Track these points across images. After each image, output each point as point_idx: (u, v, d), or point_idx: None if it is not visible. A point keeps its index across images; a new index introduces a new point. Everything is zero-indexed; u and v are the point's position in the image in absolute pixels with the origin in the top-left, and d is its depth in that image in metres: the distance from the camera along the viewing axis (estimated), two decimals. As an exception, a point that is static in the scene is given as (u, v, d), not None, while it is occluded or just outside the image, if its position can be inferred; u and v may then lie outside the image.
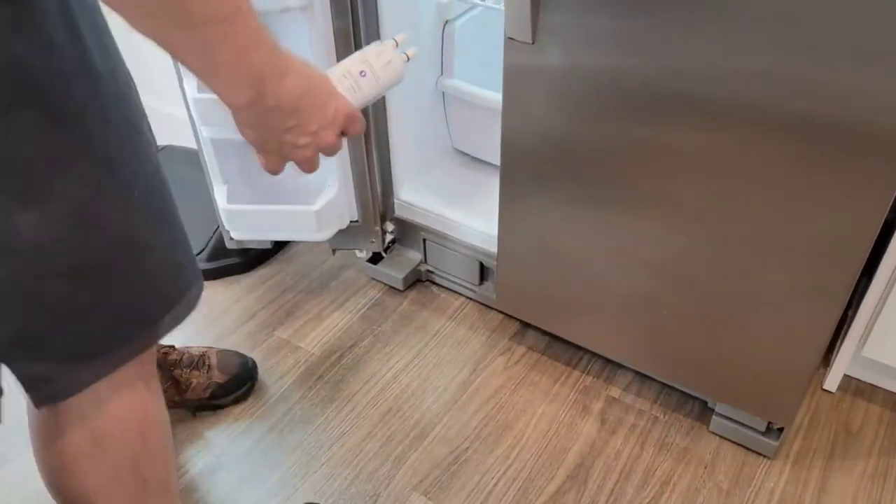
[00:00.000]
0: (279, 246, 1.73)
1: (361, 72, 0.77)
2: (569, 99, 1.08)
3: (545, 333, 1.48)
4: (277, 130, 0.65)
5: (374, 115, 1.40)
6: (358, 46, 1.28)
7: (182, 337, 1.48)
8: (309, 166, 0.70)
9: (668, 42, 0.95)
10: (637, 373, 1.39)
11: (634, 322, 1.25)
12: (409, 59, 0.82)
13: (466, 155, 1.66)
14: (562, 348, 1.46)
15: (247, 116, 0.63)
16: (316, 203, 1.37)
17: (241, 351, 1.44)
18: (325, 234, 1.43)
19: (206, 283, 1.62)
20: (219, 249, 1.64)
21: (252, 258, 1.68)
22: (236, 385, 1.36)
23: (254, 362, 1.41)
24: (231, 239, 1.54)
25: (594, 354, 1.43)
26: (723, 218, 1.04)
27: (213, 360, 1.36)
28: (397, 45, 0.83)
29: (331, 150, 0.70)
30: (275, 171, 0.71)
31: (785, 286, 1.05)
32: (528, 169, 1.20)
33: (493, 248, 1.43)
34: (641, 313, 1.22)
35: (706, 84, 0.95)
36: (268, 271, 1.68)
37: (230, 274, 1.66)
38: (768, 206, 1.00)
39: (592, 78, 1.04)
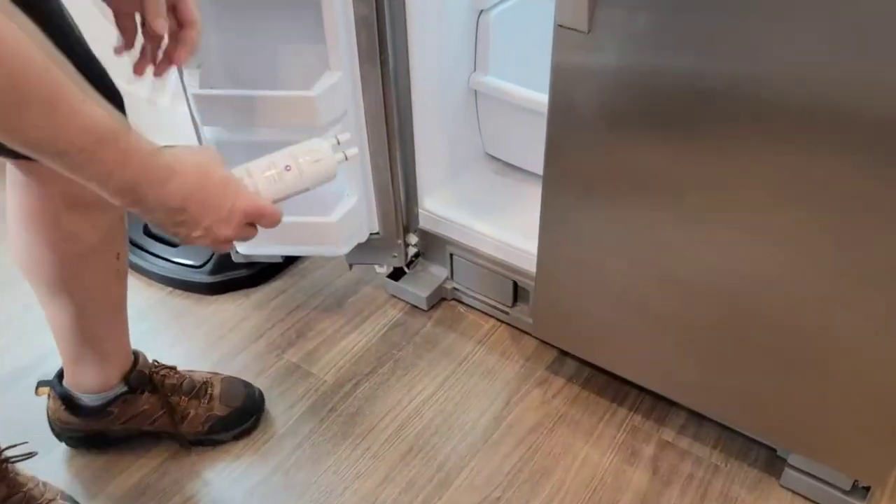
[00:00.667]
0: (290, 259, 1.58)
1: (287, 166, 0.80)
2: (628, 100, 0.92)
3: (587, 364, 1.32)
4: (166, 223, 0.69)
5: (399, 117, 1.25)
6: (382, 37, 1.13)
7: (183, 356, 1.33)
8: (217, 249, 0.78)
9: (759, 42, 0.78)
10: (693, 413, 1.22)
11: (692, 355, 1.08)
12: (346, 158, 0.86)
13: (500, 161, 1.50)
14: (606, 381, 1.30)
15: (132, 209, 0.66)
16: (333, 213, 1.22)
17: (247, 376, 1.29)
18: (344, 248, 1.27)
19: (209, 298, 1.49)
20: (224, 261, 1.49)
21: (261, 271, 1.52)
22: (239, 420, 1.21)
23: (261, 394, 1.26)
24: (237, 252, 1.39)
25: (643, 390, 1.26)
26: (807, 241, 0.87)
27: (216, 390, 1.21)
28: (339, 143, 0.86)
29: (226, 245, 0.75)
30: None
31: (881, 320, 0.88)
32: (575, 179, 1.04)
33: (530, 266, 1.26)
34: (701, 346, 1.06)
35: (799, 91, 0.78)
36: (278, 285, 1.52)
37: (237, 288, 1.51)
38: (864, 229, 0.83)
39: (658, 77, 0.87)
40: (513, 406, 1.26)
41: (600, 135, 0.97)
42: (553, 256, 1.15)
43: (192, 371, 1.23)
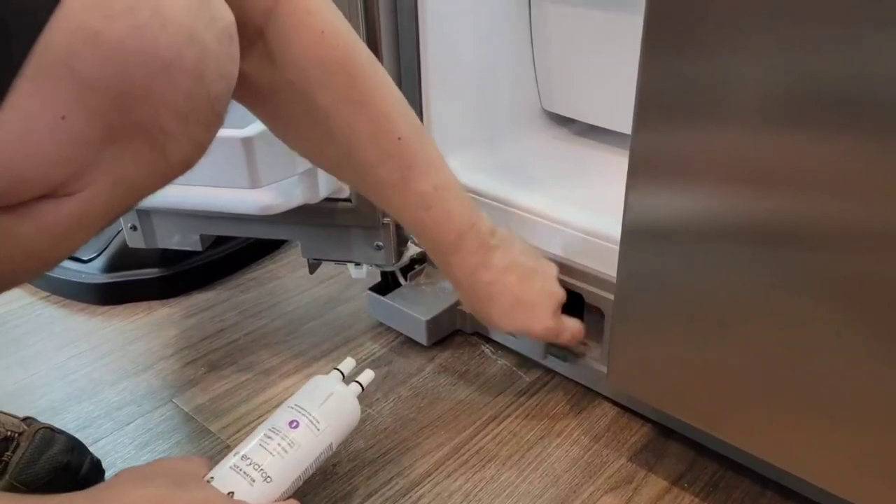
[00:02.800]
0: (237, 263, 1.03)
1: (293, 422, 0.58)
2: None
3: (707, 451, 0.71)
4: None
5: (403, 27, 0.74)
6: None
7: (11, 389, 0.79)
8: None
9: None
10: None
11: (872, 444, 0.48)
12: (363, 389, 0.65)
13: (567, 124, 0.95)
14: (734, 481, 0.68)
15: None
16: (250, 126, 0.67)
17: (94, 430, 0.73)
18: (262, 186, 0.71)
19: (96, 309, 0.95)
20: (124, 255, 0.96)
21: (183, 274, 0.98)
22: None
23: (95, 467, 0.68)
24: (133, 228, 0.86)
25: (789, 494, 0.65)
26: None
27: (20, 452, 0.64)
28: (343, 375, 0.65)
29: None
30: None
31: None
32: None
33: (607, 269, 0.70)
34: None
35: None
36: (205, 298, 0.97)
37: (142, 296, 0.97)
38: None
39: None
40: (564, 524, 0.66)
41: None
42: (644, 261, 0.57)
43: (2, 413, 0.67)
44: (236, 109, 0.66)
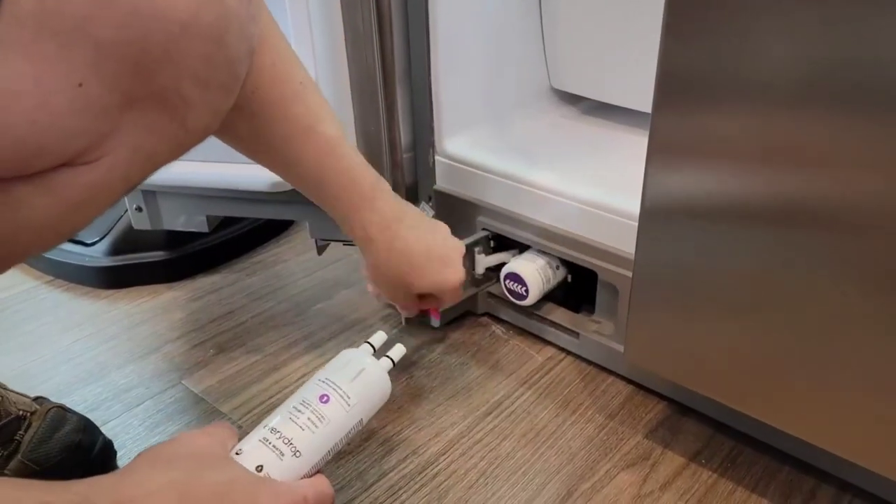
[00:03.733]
0: (241, 247, 1.02)
1: (323, 396, 0.57)
2: None
3: (725, 427, 0.71)
4: None
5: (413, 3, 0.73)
6: None
7: (19, 370, 0.77)
8: None
9: None
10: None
11: None
12: (394, 364, 0.64)
13: (576, 102, 0.94)
14: (752, 456, 0.68)
15: None
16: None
17: (104, 411, 0.72)
18: (273, 174, 0.70)
19: (100, 292, 0.94)
20: (130, 237, 0.95)
21: (188, 257, 0.97)
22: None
23: (106, 447, 0.67)
24: (138, 209, 0.85)
25: (825, 476, 0.64)
26: None
27: (31, 431, 0.63)
28: (374, 348, 0.65)
29: None
30: None
31: None
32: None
33: (623, 245, 0.69)
34: None
35: None
36: (210, 281, 0.96)
37: (146, 280, 0.96)
38: None
39: None
40: None
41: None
42: (665, 231, 0.56)
43: (6, 391, 0.66)
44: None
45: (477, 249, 0.82)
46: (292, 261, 1.01)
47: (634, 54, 0.81)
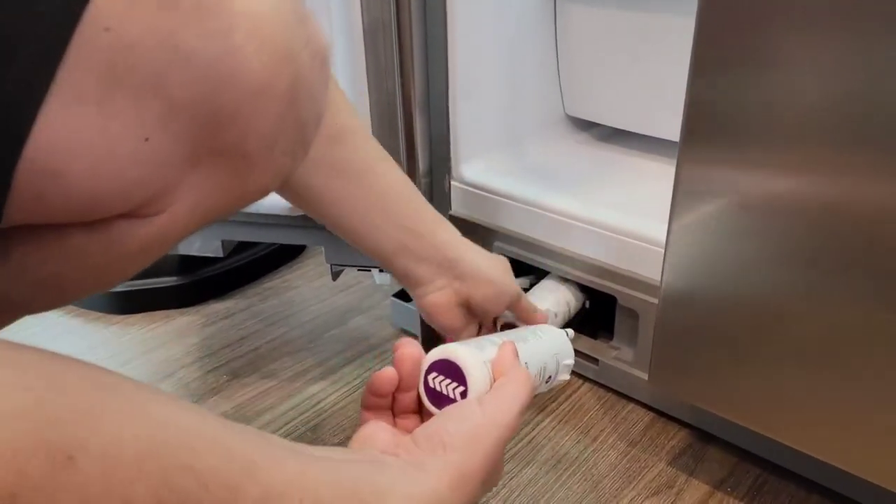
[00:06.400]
0: (252, 273, 1.02)
1: (549, 378, 0.57)
2: None
3: (750, 456, 0.69)
4: None
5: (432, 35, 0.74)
6: None
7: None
8: None
9: None
10: None
11: None
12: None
13: (590, 129, 0.95)
14: (778, 484, 0.67)
15: None
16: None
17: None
18: None
19: (111, 318, 0.93)
20: (142, 261, 0.94)
21: (200, 283, 0.97)
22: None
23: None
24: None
25: (835, 496, 0.63)
26: None
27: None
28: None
29: None
30: None
31: None
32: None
33: (639, 274, 0.69)
34: None
35: None
36: (223, 307, 0.96)
37: (158, 305, 0.95)
38: None
39: None
40: (606, 529, 0.64)
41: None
42: (693, 260, 0.56)
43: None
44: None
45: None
46: (304, 287, 1.01)
47: (648, 81, 0.82)
